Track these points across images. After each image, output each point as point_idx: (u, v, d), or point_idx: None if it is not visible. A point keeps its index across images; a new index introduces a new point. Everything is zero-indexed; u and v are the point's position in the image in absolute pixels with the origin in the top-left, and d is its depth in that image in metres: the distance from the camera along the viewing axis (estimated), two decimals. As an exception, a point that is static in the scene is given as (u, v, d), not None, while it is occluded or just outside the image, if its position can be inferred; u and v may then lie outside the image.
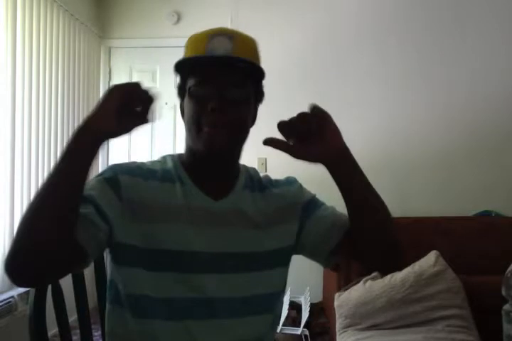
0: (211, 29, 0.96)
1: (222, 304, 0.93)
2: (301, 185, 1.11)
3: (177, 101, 1.01)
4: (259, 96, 1.02)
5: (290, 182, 1.10)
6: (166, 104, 3.50)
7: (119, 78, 3.70)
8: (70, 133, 3.34)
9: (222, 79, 0.91)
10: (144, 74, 3.66)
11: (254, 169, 1.10)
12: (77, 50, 3.29)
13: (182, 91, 0.98)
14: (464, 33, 3.35)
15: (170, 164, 1.00)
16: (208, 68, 0.92)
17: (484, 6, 3.34)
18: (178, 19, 3.58)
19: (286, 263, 1.03)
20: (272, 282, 1.00)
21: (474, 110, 3.35)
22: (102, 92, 3.70)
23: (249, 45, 0.97)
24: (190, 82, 0.94)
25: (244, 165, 1.08)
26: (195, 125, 0.92)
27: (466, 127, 3.35)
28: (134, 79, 3.68)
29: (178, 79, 0.99)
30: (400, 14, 3.42)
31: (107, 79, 3.72)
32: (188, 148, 0.99)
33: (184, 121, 0.97)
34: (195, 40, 0.96)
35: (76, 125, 3.27)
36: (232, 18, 3.44)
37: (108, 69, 3.72)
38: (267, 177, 1.09)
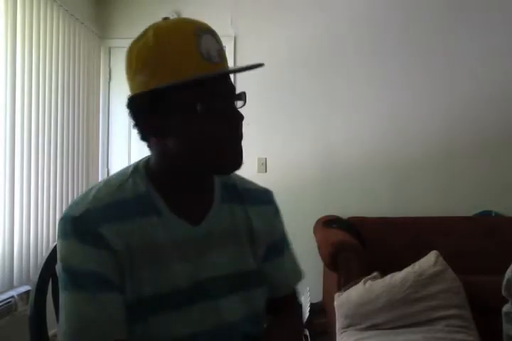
0: (185, 23, 0.84)
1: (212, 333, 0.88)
2: (277, 209, 1.05)
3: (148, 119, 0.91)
4: None
5: (268, 200, 1.03)
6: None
7: (119, 78, 3.70)
8: (70, 133, 3.32)
9: (230, 89, 0.86)
10: (144, 74, 3.65)
11: None
12: (77, 50, 3.29)
13: (165, 106, 0.84)
14: (465, 33, 3.36)
15: (142, 187, 0.87)
16: (215, 80, 0.83)
17: (486, 5, 3.34)
18: (178, 19, 3.58)
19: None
20: (260, 301, 0.96)
21: (475, 110, 3.35)
22: (102, 92, 3.70)
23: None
24: (191, 96, 0.81)
25: None
26: (222, 142, 0.83)
27: (466, 127, 3.35)
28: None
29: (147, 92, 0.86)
30: (400, 14, 3.42)
31: (107, 79, 3.72)
32: (166, 167, 0.88)
33: (183, 139, 0.84)
34: (182, 41, 0.81)
35: (76, 125, 3.27)
36: (232, 18, 3.44)
37: (108, 69, 3.71)
38: (241, 181, 1.01)
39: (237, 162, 0.86)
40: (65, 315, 0.79)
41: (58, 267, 0.82)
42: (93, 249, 0.80)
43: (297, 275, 1.07)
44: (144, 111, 0.88)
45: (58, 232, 0.83)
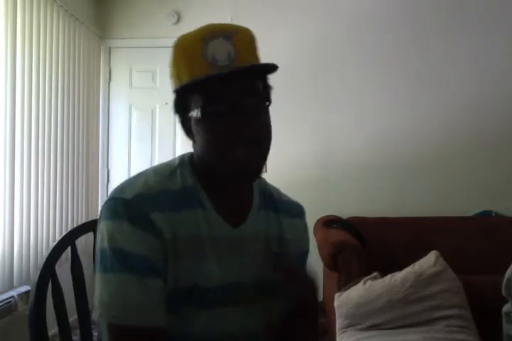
0: (202, 29, 0.85)
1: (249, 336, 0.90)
2: (306, 225, 1.06)
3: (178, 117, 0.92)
4: (268, 95, 0.91)
5: (300, 214, 1.04)
6: (166, 104, 3.50)
7: (119, 78, 3.70)
8: (70, 133, 3.31)
9: (236, 91, 0.83)
10: (144, 74, 3.66)
11: (262, 179, 1.01)
12: (77, 50, 3.29)
13: (183, 108, 0.87)
14: (464, 34, 3.36)
15: (189, 181, 0.89)
16: (215, 81, 0.82)
17: (486, 6, 3.34)
18: (178, 19, 3.58)
19: None
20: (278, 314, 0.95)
21: (474, 110, 3.35)
22: (102, 92, 3.70)
23: (251, 42, 0.88)
24: (198, 100, 0.83)
25: None
26: (221, 151, 0.84)
27: (466, 127, 3.35)
28: (134, 79, 3.69)
29: (176, 93, 0.88)
30: (400, 15, 3.42)
31: (107, 79, 3.72)
32: (207, 168, 0.89)
33: (198, 143, 0.87)
34: (187, 49, 0.85)
35: (76, 125, 3.27)
36: (232, 18, 3.43)
37: (108, 69, 3.71)
38: (276, 192, 1.02)
39: (236, 169, 0.84)
40: (108, 294, 0.80)
41: (103, 247, 0.82)
42: (144, 234, 0.81)
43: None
44: (175, 110, 0.90)
45: (106, 213, 0.83)
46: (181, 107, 0.87)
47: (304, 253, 1.04)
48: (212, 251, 0.87)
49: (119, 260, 0.80)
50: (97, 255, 0.84)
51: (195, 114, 0.84)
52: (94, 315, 0.82)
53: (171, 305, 0.83)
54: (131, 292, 0.79)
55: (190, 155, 0.93)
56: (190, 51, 0.84)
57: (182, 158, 0.93)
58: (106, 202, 0.85)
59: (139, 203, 0.82)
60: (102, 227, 0.83)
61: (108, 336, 0.81)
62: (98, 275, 0.82)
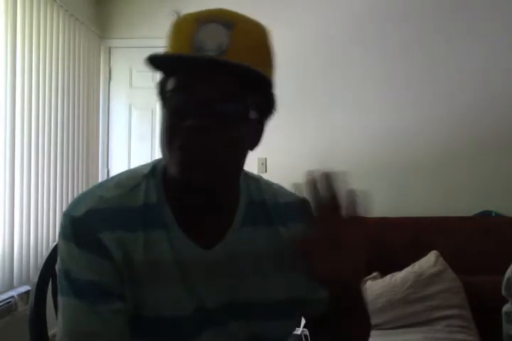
0: (204, 11, 0.75)
1: None
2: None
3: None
4: (265, 108, 0.77)
5: (298, 213, 0.87)
6: (166, 104, 3.50)
7: (119, 78, 3.70)
8: (70, 133, 3.31)
9: (207, 89, 0.69)
10: (144, 74, 3.65)
11: (254, 184, 0.87)
12: (77, 50, 3.29)
13: (162, 92, 0.76)
14: (467, 34, 3.35)
15: (153, 196, 0.78)
16: (190, 70, 0.70)
17: (488, 7, 3.34)
18: (178, 19, 3.58)
19: (292, 316, 0.87)
20: (276, 334, 0.85)
21: (475, 111, 3.34)
22: (101, 92, 3.70)
23: (255, 36, 0.74)
24: (169, 85, 0.73)
25: (245, 178, 0.86)
26: (168, 143, 0.72)
27: (466, 128, 3.35)
28: (134, 79, 3.68)
29: (159, 75, 0.76)
30: (403, 14, 3.42)
31: (107, 79, 3.72)
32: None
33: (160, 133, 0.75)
34: (180, 29, 0.74)
35: (76, 125, 3.27)
36: (232, 18, 3.43)
37: (108, 69, 3.71)
38: (271, 194, 0.87)
39: (181, 172, 0.71)
40: (63, 321, 0.75)
41: (58, 266, 0.78)
42: (92, 256, 0.74)
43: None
44: (159, 92, 0.78)
45: (59, 230, 0.78)
46: (163, 90, 0.75)
47: None
48: (178, 277, 0.77)
49: (68, 284, 0.75)
50: (57, 271, 0.79)
51: (160, 104, 0.74)
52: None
53: (139, 334, 0.77)
54: (84, 319, 0.73)
55: (164, 166, 0.80)
56: (180, 32, 0.73)
57: (155, 165, 0.82)
58: (61, 217, 0.78)
59: (87, 222, 0.74)
60: (58, 244, 0.78)
61: None
62: (58, 295, 0.78)
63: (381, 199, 3.37)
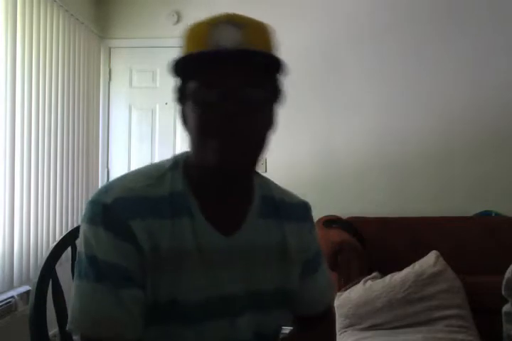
0: (215, 16, 0.81)
1: None
2: (312, 225, 0.99)
3: (177, 105, 0.86)
4: (278, 94, 0.84)
5: (305, 216, 0.97)
6: (166, 104, 3.50)
7: (119, 78, 3.70)
8: (70, 133, 3.30)
9: (233, 78, 0.76)
10: (144, 74, 3.65)
11: (264, 182, 0.95)
12: (77, 50, 3.29)
13: (182, 95, 0.82)
14: (463, 34, 3.36)
15: (179, 185, 0.83)
16: (213, 66, 0.75)
17: (484, 7, 3.34)
18: (178, 19, 3.58)
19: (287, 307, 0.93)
20: (279, 322, 0.93)
21: (474, 110, 3.35)
22: (102, 92, 3.70)
23: (262, 33, 0.81)
24: (193, 85, 0.78)
25: (257, 177, 0.93)
26: (204, 136, 0.77)
27: (465, 127, 3.35)
28: (134, 79, 3.69)
29: (177, 81, 0.83)
30: (399, 15, 3.43)
31: (107, 79, 3.72)
32: (196, 165, 0.83)
33: (188, 131, 0.81)
34: (194, 32, 0.80)
35: (76, 125, 3.27)
36: (232, 18, 3.44)
37: (108, 69, 3.71)
38: (279, 194, 0.95)
39: (220, 160, 0.76)
40: (79, 303, 0.77)
41: (80, 250, 0.79)
42: (120, 242, 0.76)
43: (331, 290, 1.04)
44: (176, 98, 0.84)
45: (85, 215, 0.79)
46: (181, 95, 0.82)
47: (316, 255, 0.98)
48: (199, 263, 0.81)
49: (92, 268, 0.76)
50: (77, 256, 0.81)
51: (189, 99, 0.79)
52: (69, 323, 0.78)
53: (152, 320, 0.79)
54: (103, 303, 0.75)
55: (186, 156, 0.87)
56: (195, 35, 0.80)
57: (176, 159, 0.87)
58: (88, 203, 0.80)
59: (118, 208, 0.77)
60: (82, 229, 0.80)
61: None
62: (74, 279, 0.80)
63: (381, 200, 3.38)
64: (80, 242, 0.80)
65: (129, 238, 0.76)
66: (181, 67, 0.79)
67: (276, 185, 0.97)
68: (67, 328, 0.78)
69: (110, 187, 0.81)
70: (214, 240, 0.82)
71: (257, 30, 0.80)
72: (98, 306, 0.76)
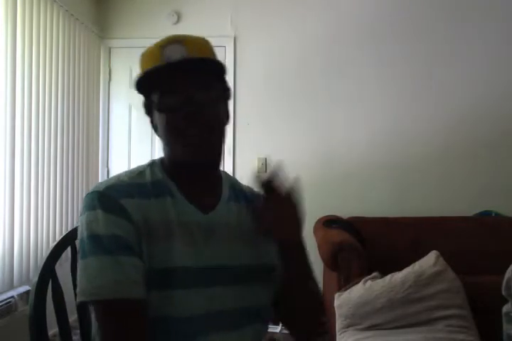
0: (161, 40, 0.97)
1: (214, 317, 0.92)
2: None
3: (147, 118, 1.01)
4: (227, 93, 1.01)
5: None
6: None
7: (119, 78, 3.70)
8: (70, 133, 3.30)
9: (187, 85, 0.91)
10: (144, 74, 3.66)
11: (230, 176, 1.10)
12: (77, 50, 3.29)
13: (149, 108, 0.98)
14: (467, 34, 3.36)
15: (159, 174, 0.98)
16: (170, 76, 0.91)
17: (487, 7, 3.34)
18: (178, 19, 3.58)
19: (269, 282, 1.02)
20: (261, 296, 1.00)
21: (475, 111, 3.35)
22: (101, 92, 3.70)
23: (203, 46, 0.98)
24: (156, 96, 0.93)
25: (223, 172, 1.08)
26: (175, 137, 0.93)
27: (466, 128, 3.35)
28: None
29: (142, 98, 0.98)
30: (403, 15, 3.42)
31: (107, 79, 3.72)
32: (171, 161, 0.99)
33: (160, 136, 0.97)
34: (148, 54, 0.97)
35: (76, 125, 3.27)
36: (232, 18, 3.44)
37: (108, 69, 3.71)
38: (249, 189, 1.08)
39: (195, 156, 0.93)
40: (86, 275, 0.85)
41: (82, 237, 0.88)
42: (116, 218, 0.87)
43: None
44: (145, 111, 1.00)
45: (84, 206, 0.90)
46: (149, 108, 0.98)
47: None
48: (184, 235, 0.92)
49: (94, 244, 0.86)
50: (78, 247, 0.90)
51: (154, 109, 0.95)
52: (78, 296, 0.85)
53: (149, 286, 0.87)
54: (107, 270, 0.84)
55: (161, 158, 1.02)
56: (149, 56, 0.96)
57: (152, 160, 1.03)
58: (85, 197, 0.92)
59: (110, 192, 0.90)
60: (80, 221, 0.90)
61: (93, 313, 0.88)
62: (78, 261, 0.88)
63: (381, 200, 3.38)
64: (79, 232, 0.89)
65: (123, 213, 0.88)
66: (143, 84, 0.94)
67: (234, 177, 1.14)
68: (77, 301, 0.86)
69: (99, 183, 0.95)
70: (193, 215, 0.95)
71: (198, 44, 0.96)
72: (103, 274, 0.84)
